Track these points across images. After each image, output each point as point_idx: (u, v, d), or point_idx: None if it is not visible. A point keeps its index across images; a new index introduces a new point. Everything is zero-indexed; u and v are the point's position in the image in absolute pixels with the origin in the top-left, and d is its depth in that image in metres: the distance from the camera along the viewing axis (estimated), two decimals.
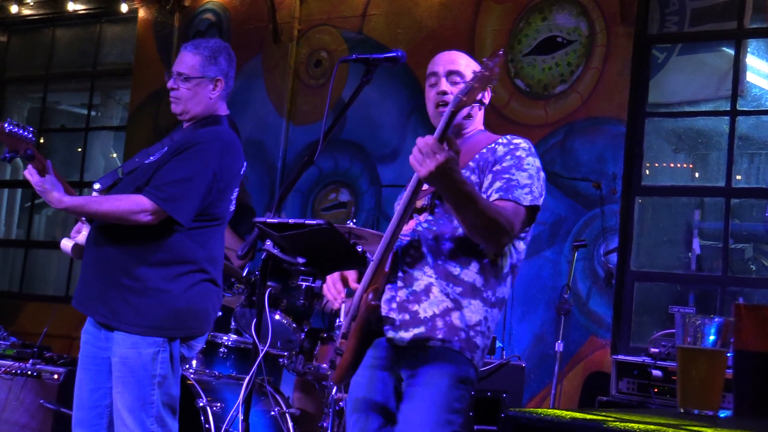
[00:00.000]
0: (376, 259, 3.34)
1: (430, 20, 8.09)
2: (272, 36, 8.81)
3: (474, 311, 3.40)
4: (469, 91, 3.12)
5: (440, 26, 8.02)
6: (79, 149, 10.32)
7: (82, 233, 4.35)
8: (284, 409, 5.58)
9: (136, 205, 4.09)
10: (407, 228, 3.43)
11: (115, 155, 10.43)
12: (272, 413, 5.53)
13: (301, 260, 3.20)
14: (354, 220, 5.92)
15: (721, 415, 2.18)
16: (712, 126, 7.28)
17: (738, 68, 7.01)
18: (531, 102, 7.45)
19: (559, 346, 6.12)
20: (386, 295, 3.43)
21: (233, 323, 5.96)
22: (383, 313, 3.40)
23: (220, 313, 5.85)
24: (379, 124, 8.19)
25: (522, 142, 3.49)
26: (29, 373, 6.35)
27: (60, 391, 6.21)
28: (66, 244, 4.41)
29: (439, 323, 3.36)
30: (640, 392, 5.76)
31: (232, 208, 4.43)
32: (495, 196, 3.36)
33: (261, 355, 3.42)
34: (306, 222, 3.08)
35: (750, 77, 7.13)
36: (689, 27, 7.25)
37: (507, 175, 3.37)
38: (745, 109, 7.02)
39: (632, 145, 7.18)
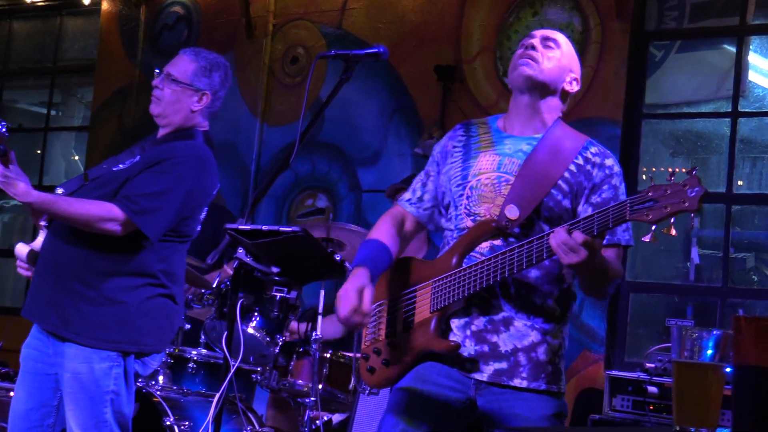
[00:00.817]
0: (457, 299, 3.34)
1: (414, 14, 8.11)
2: (245, 31, 8.82)
3: (554, 336, 3.42)
4: (655, 209, 2.97)
5: (424, 21, 8.05)
6: (38, 151, 10.29)
7: (38, 239, 4.34)
8: (257, 428, 5.58)
9: (107, 212, 4.09)
10: (484, 247, 3.38)
11: (77, 157, 10.40)
12: None
13: (275, 270, 3.20)
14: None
15: None
16: (712, 128, 7.33)
17: (740, 67, 7.05)
18: None
19: None
20: (458, 322, 3.42)
21: (203, 337, 5.95)
22: (459, 341, 3.39)
23: (188, 326, 5.89)
24: (359, 125, 8.20)
25: (615, 165, 3.48)
26: None
27: None
28: (21, 249, 4.39)
29: (523, 359, 3.36)
30: (635, 409, 5.78)
31: (198, 228, 4.45)
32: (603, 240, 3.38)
33: (232, 370, 3.42)
34: (280, 229, 3.09)
35: (752, 76, 7.17)
36: (689, 23, 7.29)
37: None
38: (747, 110, 7.07)
39: (628, 148, 7.21)
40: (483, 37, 7.76)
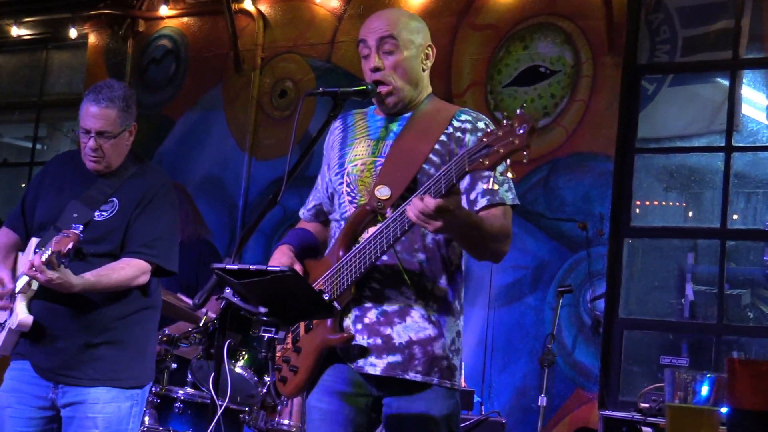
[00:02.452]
0: (347, 285, 3.36)
1: None
2: (233, 64, 8.84)
3: (449, 329, 3.43)
4: (490, 154, 2.97)
5: None
6: (23, 185, 10.28)
7: (20, 307, 4.37)
8: None
9: (138, 270, 4.37)
10: (367, 233, 3.40)
11: None
12: None
13: (262, 310, 3.19)
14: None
15: None
16: (705, 162, 7.34)
17: (733, 100, 7.08)
18: None
19: (542, 400, 6.13)
20: (351, 316, 3.43)
21: (190, 376, 5.93)
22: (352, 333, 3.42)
23: (174, 365, 5.87)
24: None
25: (489, 126, 3.43)
26: None
27: None
28: (26, 320, 4.38)
29: (417, 352, 3.37)
30: None
31: None
32: (483, 201, 3.38)
33: (220, 411, 3.41)
34: (268, 269, 3.07)
35: (746, 110, 7.19)
36: (681, 57, 7.32)
37: (486, 173, 3.33)
38: (740, 144, 7.08)
39: (621, 182, 7.22)
40: (473, 71, 7.78)
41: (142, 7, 9.50)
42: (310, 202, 3.81)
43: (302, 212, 3.84)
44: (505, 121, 2.98)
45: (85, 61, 9.84)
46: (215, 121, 8.92)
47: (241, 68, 8.82)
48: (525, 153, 2.94)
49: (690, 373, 2.19)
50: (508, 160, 2.99)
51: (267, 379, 5.72)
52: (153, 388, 5.77)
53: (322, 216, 3.76)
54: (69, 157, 4.70)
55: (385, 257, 3.36)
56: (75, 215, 4.44)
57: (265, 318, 3.25)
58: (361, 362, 3.40)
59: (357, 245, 3.36)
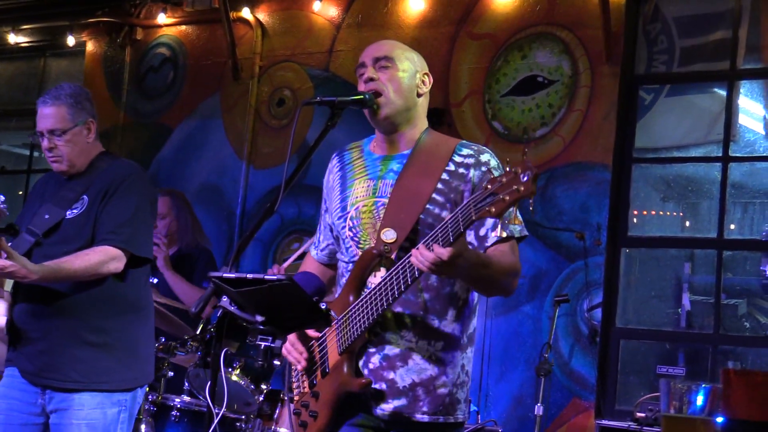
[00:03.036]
0: (359, 332, 3.36)
1: None
2: (232, 73, 8.85)
3: (453, 365, 3.43)
4: (496, 202, 2.97)
5: None
6: (21, 192, 10.28)
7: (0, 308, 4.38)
8: None
9: (105, 255, 4.26)
10: (375, 276, 3.41)
11: None
12: None
13: (259, 318, 3.19)
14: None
15: None
16: (702, 173, 7.35)
17: (730, 111, 7.08)
18: (509, 146, 7.48)
19: (539, 409, 6.13)
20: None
21: (186, 384, 5.93)
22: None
23: (171, 374, 5.87)
24: None
25: (490, 159, 3.48)
26: None
27: None
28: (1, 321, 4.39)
29: (422, 394, 3.38)
30: None
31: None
32: (493, 236, 3.38)
33: (216, 419, 3.41)
34: (265, 277, 3.08)
35: (743, 120, 7.19)
36: (678, 67, 7.33)
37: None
38: (737, 155, 7.09)
39: (618, 192, 7.23)
40: (471, 80, 7.79)
41: (140, 15, 9.51)
42: (322, 242, 3.77)
43: (315, 252, 3.81)
44: (508, 168, 2.99)
45: (83, 69, 9.85)
46: (213, 129, 8.93)
47: (239, 77, 8.83)
48: (531, 201, 2.96)
49: (685, 384, 2.20)
50: (515, 209, 2.99)
51: (263, 387, 5.73)
52: (149, 396, 5.77)
53: (335, 258, 3.72)
54: (50, 173, 4.72)
55: None
56: (47, 216, 4.44)
57: (262, 327, 3.25)
58: (369, 405, 3.42)
59: (365, 292, 3.36)
